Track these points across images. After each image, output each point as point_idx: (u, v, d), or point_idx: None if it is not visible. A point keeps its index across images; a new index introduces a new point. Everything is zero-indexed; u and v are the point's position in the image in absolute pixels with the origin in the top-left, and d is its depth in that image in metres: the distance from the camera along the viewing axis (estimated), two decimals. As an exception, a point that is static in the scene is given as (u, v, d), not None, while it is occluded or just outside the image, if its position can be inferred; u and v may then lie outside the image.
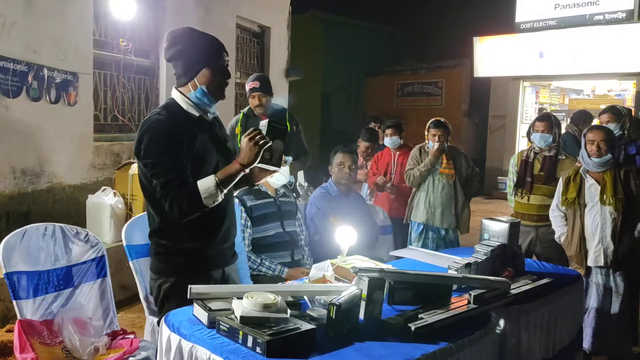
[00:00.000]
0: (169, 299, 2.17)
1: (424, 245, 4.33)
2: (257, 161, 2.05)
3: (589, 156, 3.36)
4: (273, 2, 8.32)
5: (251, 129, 2.08)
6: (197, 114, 2.16)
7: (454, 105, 13.73)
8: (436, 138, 4.32)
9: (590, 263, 3.40)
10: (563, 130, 5.06)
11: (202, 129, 2.16)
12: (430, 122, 4.44)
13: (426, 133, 4.44)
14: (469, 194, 4.47)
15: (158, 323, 2.33)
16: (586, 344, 3.40)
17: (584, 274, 3.40)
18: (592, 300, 3.43)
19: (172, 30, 2.18)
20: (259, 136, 2.03)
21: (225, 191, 2.05)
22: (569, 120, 7.05)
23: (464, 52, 12.23)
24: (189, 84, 2.14)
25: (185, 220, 2.06)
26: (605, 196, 3.32)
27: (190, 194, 2.00)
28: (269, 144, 2.06)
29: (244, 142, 2.04)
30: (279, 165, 2.16)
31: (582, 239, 3.40)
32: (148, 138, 2.05)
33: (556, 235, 3.62)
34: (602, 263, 3.35)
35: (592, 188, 3.39)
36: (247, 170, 2.07)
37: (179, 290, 2.08)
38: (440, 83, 14.35)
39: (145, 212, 2.32)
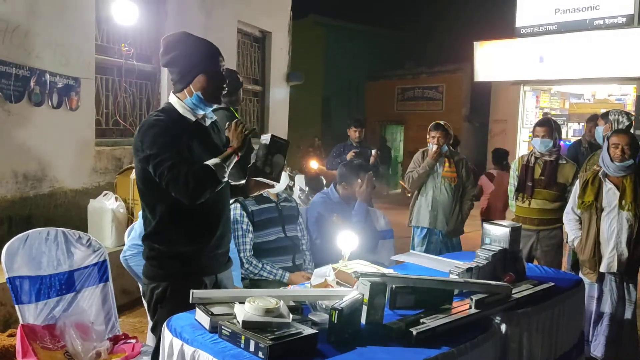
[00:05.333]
0: (162, 304, 2.15)
1: (427, 250, 4.31)
2: (258, 175, 2.20)
3: (612, 160, 3.29)
4: (274, 7, 8.34)
5: (235, 120, 2.23)
6: (193, 119, 2.16)
7: (455, 109, 13.76)
8: (435, 140, 4.34)
9: (602, 269, 3.35)
10: (564, 135, 5.07)
11: (199, 133, 2.16)
12: (431, 124, 4.46)
13: (427, 136, 4.45)
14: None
15: (152, 329, 2.33)
16: (599, 352, 3.38)
17: (596, 280, 3.37)
18: (606, 308, 3.38)
19: (167, 35, 2.16)
20: (242, 125, 2.19)
21: (229, 167, 2.09)
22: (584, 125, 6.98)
23: (464, 56, 12.27)
24: (185, 90, 2.13)
25: (198, 202, 2.02)
26: (624, 202, 3.27)
27: (202, 168, 2.01)
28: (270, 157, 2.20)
29: (231, 131, 2.19)
30: (278, 179, 2.26)
31: (597, 243, 3.35)
32: (151, 134, 2.04)
33: (570, 239, 3.57)
34: (615, 269, 3.31)
35: (610, 192, 3.34)
36: (240, 154, 2.14)
37: (172, 295, 2.10)
38: (440, 87, 14.39)
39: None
